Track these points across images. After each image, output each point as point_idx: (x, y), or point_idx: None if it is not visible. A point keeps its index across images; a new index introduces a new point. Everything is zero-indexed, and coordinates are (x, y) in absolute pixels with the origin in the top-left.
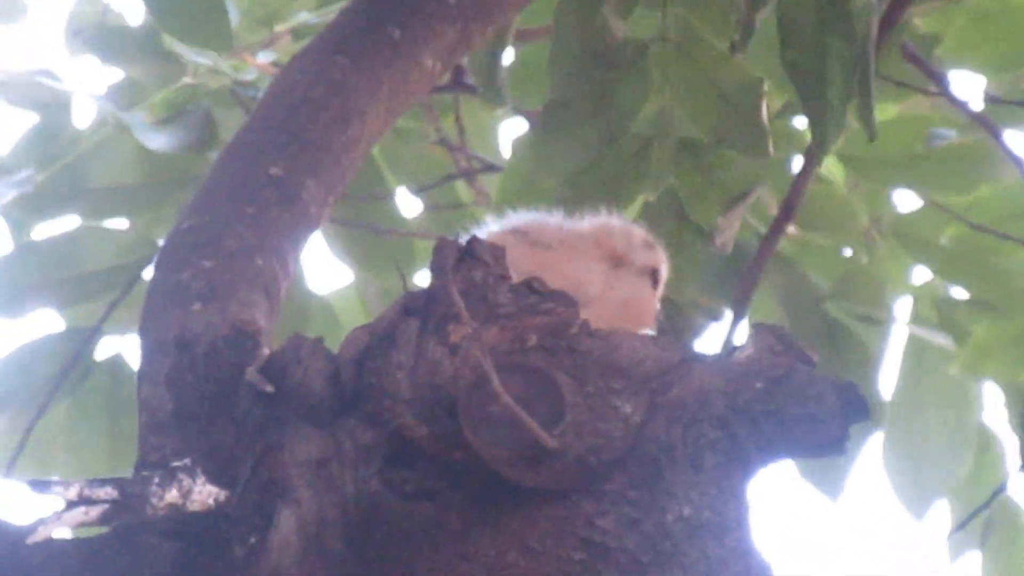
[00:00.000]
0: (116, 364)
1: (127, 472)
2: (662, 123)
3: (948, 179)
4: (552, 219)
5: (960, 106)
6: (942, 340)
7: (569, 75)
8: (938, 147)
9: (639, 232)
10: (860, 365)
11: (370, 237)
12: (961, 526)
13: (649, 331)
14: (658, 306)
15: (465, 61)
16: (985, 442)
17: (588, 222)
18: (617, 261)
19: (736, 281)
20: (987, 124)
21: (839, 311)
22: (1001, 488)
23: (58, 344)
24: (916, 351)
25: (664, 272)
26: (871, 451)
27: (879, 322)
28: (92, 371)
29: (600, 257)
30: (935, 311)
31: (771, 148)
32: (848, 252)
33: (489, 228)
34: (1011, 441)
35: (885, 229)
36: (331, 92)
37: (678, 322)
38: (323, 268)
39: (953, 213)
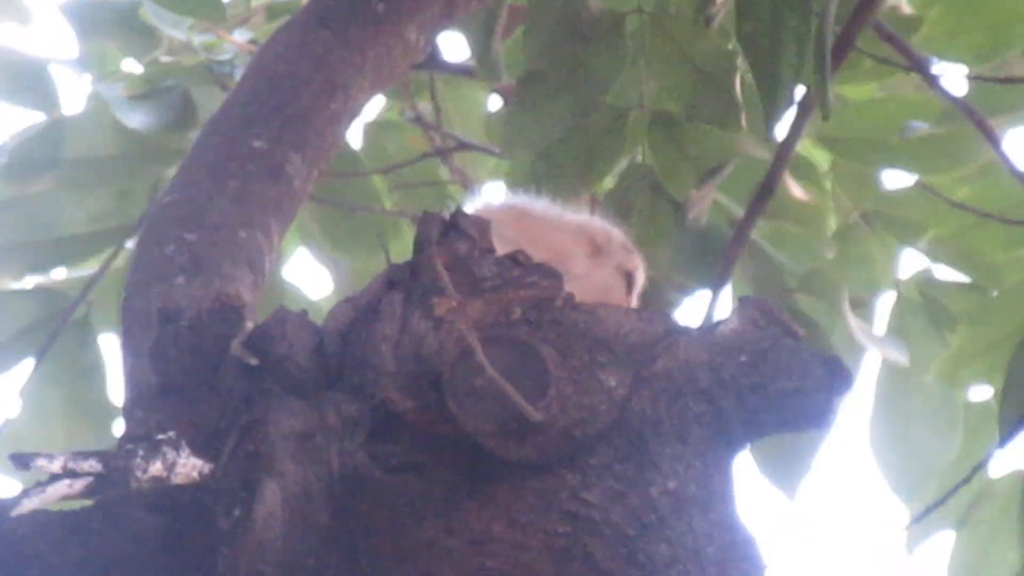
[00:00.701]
0: (82, 330)
1: (84, 439)
2: (636, 96)
3: (930, 160)
4: (540, 201)
5: (938, 87)
6: (894, 354)
7: (544, 47)
8: (913, 137)
9: (619, 235)
10: None
11: (344, 216)
12: (941, 502)
13: None
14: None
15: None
16: (984, 419)
17: (572, 216)
18: (596, 251)
19: (713, 260)
20: (965, 107)
21: (805, 304)
22: (981, 465)
23: (28, 302)
24: (900, 332)
25: (640, 278)
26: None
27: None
28: (58, 336)
29: (583, 242)
30: (920, 295)
31: (744, 122)
32: (829, 252)
33: (476, 204)
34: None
35: (870, 212)
36: (315, 66)
37: (651, 297)
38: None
39: (939, 195)
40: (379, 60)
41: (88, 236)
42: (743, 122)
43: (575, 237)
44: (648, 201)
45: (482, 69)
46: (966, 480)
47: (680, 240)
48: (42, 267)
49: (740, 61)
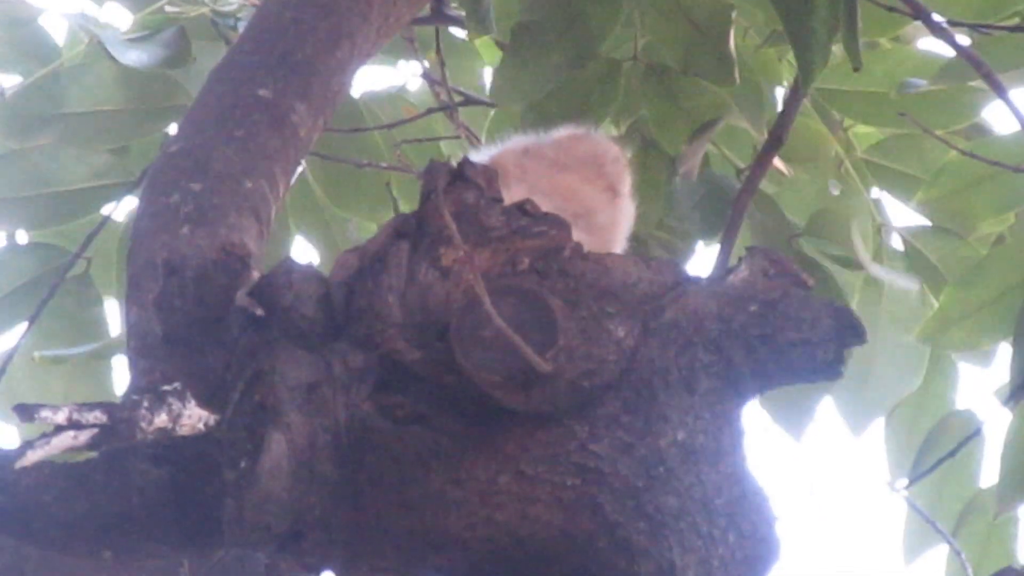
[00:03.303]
0: (82, 285)
1: (82, 396)
2: (631, 48)
3: (928, 115)
4: (551, 139)
5: (946, 39)
6: (904, 283)
7: None
8: (912, 94)
9: (623, 153)
10: None
11: (346, 172)
12: (925, 474)
13: None
14: None
15: None
16: (966, 426)
17: (577, 144)
18: (615, 193)
19: (721, 212)
20: (972, 58)
21: (811, 248)
22: (968, 439)
23: (26, 259)
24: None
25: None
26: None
27: (850, 263)
28: (56, 292)
29: (605, 189)
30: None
31: (737, 77)
32: (833, 189)
33: (494, 150)
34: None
35: (857, 160)
36: (320, 14)
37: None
38: None
39: (941, 138)
40: (384, 8)
41: (88, 191)
42: (736, 77)
43: (598, 186)
44: (640, 155)
45: (471, 22)
46: (952, 453)
47: (687, 193)
48: (41, 222)
49: (734, 16)
